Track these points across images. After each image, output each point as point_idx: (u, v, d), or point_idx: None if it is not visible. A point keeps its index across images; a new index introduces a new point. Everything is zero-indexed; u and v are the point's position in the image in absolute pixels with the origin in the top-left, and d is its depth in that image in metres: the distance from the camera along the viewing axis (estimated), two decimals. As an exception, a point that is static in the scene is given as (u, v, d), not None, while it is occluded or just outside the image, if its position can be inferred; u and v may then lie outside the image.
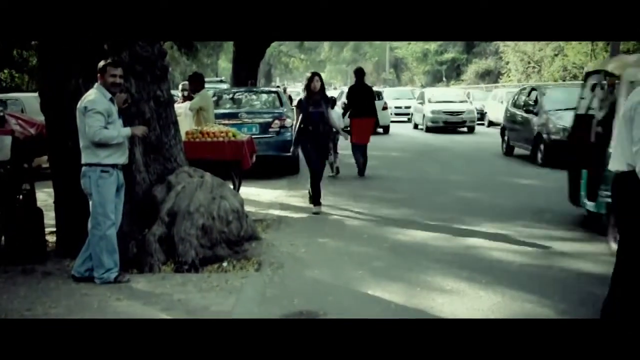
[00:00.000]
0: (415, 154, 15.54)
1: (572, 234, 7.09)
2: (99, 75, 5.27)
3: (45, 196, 7.20)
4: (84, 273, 5.34)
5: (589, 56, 25.71)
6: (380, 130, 19.61)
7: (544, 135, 12.68)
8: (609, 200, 5.95)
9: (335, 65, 65.44)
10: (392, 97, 28.92)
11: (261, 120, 11.46)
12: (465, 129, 22.31)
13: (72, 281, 5.32)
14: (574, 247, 6.58)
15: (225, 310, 4.65)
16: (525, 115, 14.04)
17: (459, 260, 6.07)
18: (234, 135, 8.43)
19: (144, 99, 6.12)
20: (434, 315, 4.66)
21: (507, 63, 35.39)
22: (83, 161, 5.25)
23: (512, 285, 5.30)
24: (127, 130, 5.37)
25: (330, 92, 14.75)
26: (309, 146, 8.37)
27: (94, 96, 5.19)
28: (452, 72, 47.09)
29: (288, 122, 11.51)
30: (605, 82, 7.00)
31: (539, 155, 12.83)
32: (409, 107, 26.60)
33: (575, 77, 26.69)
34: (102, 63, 5.27)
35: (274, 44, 35.55)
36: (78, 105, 5.22)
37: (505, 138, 15.30)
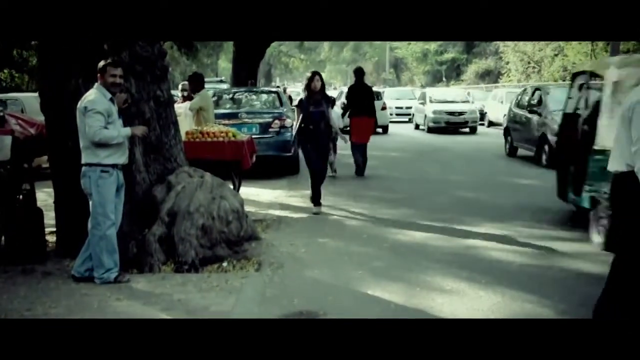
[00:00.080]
0: (415, 154, 15.54)
1: (572, 234, 7.09)
2: (99, 75, 5.27)
3: (45, 196, 7.20)
4: (84, 273, 5.34)
5: (589, 56, 25.70)
6: (379, 130, 19.60)
7: (549, 136, 12.54)
8: (593, 195, 6.49)
9: (335, 65, 65.45)
10: (393, 97, 28.78)
11: (261, 120, 11.46)
12: (467, 130, 22.15)
13: (72, 281, 5.32)
14: (574, 247, 6.58)
15: (225, 310, 4.65)
16: (529, 115, 13.88)
17: (458, 260, 6.08)
18: (234, 135, 8.43)
19: (144, 99, 6.12)
20: (433, 315, 4.66)
21: (507, 63, 35.39)
22: (83, 161, 5.25)
23: (512, 285, 5.30)
24: (127, 130, 5.37)
25: (330, 92, 14.75)
26: (309, 146, 8.35)
27: (94, 96, 5.19)
28: (452, 72, 47.09)
29: (288, 122, 11.50)
30: (590, 82, 7.24)
31: (544, 157, 12.67)
32: (410, 108, 26.41)
33: (575, 77, 26.61)
34: (102, 63, 5.28)
35: (274, 44, 35.56)
36: (78, 105, 5.22)
37: (509, 139, 15.16)
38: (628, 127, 3.81)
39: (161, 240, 5.82)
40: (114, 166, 5.27)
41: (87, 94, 5.26)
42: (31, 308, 4.72)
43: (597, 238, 6.55)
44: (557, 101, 13.11)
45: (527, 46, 32.11)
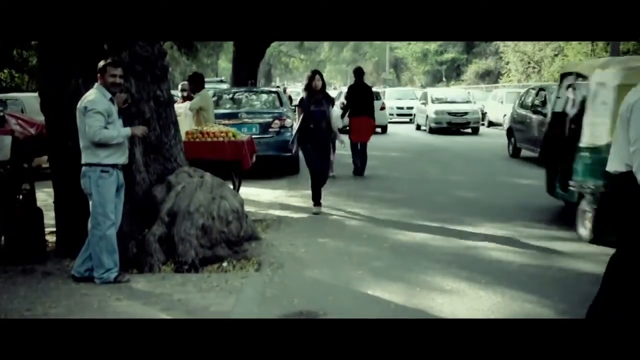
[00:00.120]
0: (415, 154, 15.54)
1: (572, 234, 7.09)
2: (99, 75, 5.27)
3: (45, 196, 7.20)
4: (83, 273, 5.34)
5: (589, 56, 25.69)
6: (378, 130, 19.57)
7: None
8: (579, 190, 6.84)
9: (335, 65, 65.47)
10: (394, 97, 28.65)
11: (261, 120, 11.46)
12: (469, 130, 21.85)
13: (72, 281, 5.32)
14: (574, 247, 6.58)
15: (225, 310, 4.65)
16: (533, 116, 13.74)
17: (458, 260, 6.08)
18: (234, 135, 8.42)
19: (144, 99, 6.12)
20: (433, 315, 4.66)
21: (507, 63, 35.39)
22: (83, 161, 5.25)
23: (512, 285, 5.30)
24: (127, 130, 5.37)
25: (330, 92, 14.75)
26: (309, 146, 8.29)
27: (94, 96, 5.19)
28: (452, 72, 47.11)
29: (288, 122, 11.51)
30: (577, 82, 7.55)
31: None
32: (411, 108, 26.23)
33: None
34: (102, 63, 5.28)
35: (274, 44, 35.57)
36: (78, 105, 5.22)
37: (512, 140, 14.98)
38: (626, 128, 3.81)
39: (161, 240, 5.82)
40: (114, 166, 5.27)
41: (87, 94, 5.26)
42: (31, 308, 4.72)
43: (582, 231, 6.86)
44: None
45: (527, 46, 32.11)
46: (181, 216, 5.90)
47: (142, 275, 5.56)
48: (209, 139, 8.25)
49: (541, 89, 14.80)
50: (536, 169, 12.40)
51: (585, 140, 6.74)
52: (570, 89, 7.71)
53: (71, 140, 5.51)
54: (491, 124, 24.13)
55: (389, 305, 4.87)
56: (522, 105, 14.99)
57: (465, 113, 21.73)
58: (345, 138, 9.90)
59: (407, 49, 50.37)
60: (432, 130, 21.66)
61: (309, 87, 8.37)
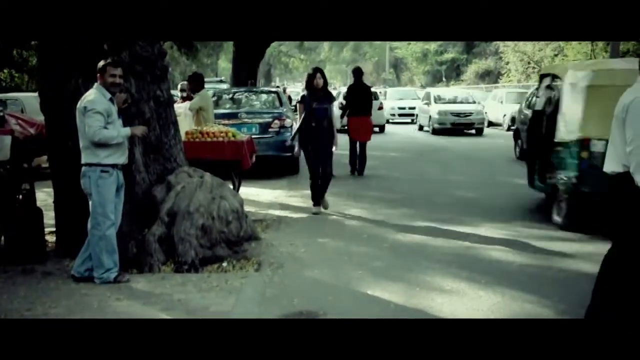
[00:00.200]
0: (415, 154, 15.54)
1: (572, 234, 7.09)
2: (98, 75, 5.26)
3: (45, 196, 7.20)
4: (83, 273, 5.34)
5: (589, 56, 25.69)
6: (376, 129, 19.52)
7: None
8: (554, 182, 7.45)
9: (335, 65, 65.47)
10: (396, 97, 28.37)
11: (261, 120, 11.46)
12: (473, 131, 21.40)
13: (72, 281, 5.32)
14: (574, 247, 6.58)
15: (225, 310, 4.65)
16: None
17: (458, 260, 6.08)
18: (233, 135, 8.42)
19: (144, 99, 6.12)
20: (433, 315, 4.66)
21: (507, 63, 35.40)
22: (83, 161, 5.25)
23: (512, 285, 5.30)
24: (127, 130, 5.37)
25: (329, 92, 14.74)
26: (310, 146, 8.20)
27: (93, 96, 5.19)
28: (452, 72, 47.11)
29: (288, 122, 11.51)
30: (553, 83, 8.11)
31: None
32: (413, 108, 25.86)
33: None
34: (101, 63, 5.27)
35: (274, 44, 35.56)
36: (78, 105, 5.22)
37: (519, 142, 14.61)
38: (622, 128, 3.82)
39: (161, 240, 5.82)
40: (113, 166, 5.27)
41: (87, 94, 5.26)
42: (31, 308, 4.72)
43: (557, 218, 7.52)
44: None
45: (527, 46, 32.10)
46: (181, 216, 5.90)
47: (142, 275, 5.55)
48: (208, 139, 8.25)
49: None
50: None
51: (559, 136, 7.32)
52: (547, 89, 8.24)
53: (71, 140, 5.51)
54: (491, 124, 24.11)
55: (389, 305, 4.87)
56: (530, 106, 14.89)
57: (470, 113, 21.30)
58: (343, 138, 9.89)
59: (407, 49, 50.38)
60: (435, 131, 21.25)
61: (309, 86, 8.24)
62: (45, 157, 6.79)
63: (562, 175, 7.24)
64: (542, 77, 8.86)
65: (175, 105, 7.70)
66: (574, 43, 27.13)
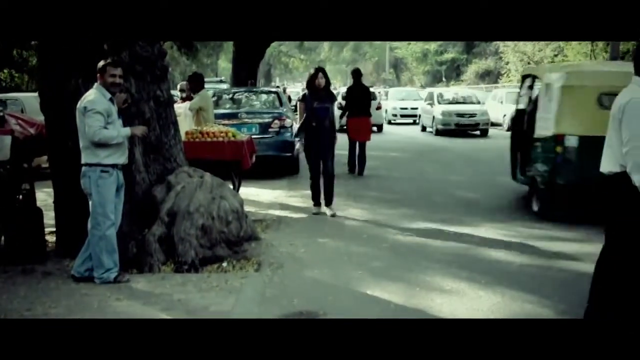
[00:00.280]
0: (415, 154, 15.54)
1: (572, 234, 7.09)
2: (98, 75, 5.26)
3: (45, 196, 7.20)
4: (83, 273, 5.34)
5: (589, 56, 25.70)
6: (374, 129, 19.44)
7: None
8: (533, 174, 8.07)
9: (335, 65, 65.41)
10: (398, 97, 28.02)
11: (261, 121, 11.46)
12: (477, 132, 20.85)
13: (72, 281, 5.32)
14: (574, 247, 6.58)
15: (225, 310, 4.65)
16: None
17: (458, 260, 6.08)
18: (233, 135, 8.42)
19: (144, 99, 6.12)
20: (433, 316, 4.66)
21: (507, 63, 35.36)
22: (83, 161, 5.25)
23: (512, 286, 5.30)
24: (127, 130, 5.37)
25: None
26: (311, 146, 8.17)
27: (93, 96, 5.19)
28: (452, 73, 47.09)
29: (288, 122, 11.51)
30: (534, 83, 8.83)
31: None
32: (415, 109, 25.43)
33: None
34: (101, 63, 5.27)
35: (274, 44, 35.56)
36: (78, 105, 5.22)
37: None
38: (618, 129, 3.83)
39: (161, 240, 5.82)
40: (113, 166, 5.27)
41: (87, 94, 5.26)
42: (31, 308, 4.72)
43: (535, 207, 8.12)
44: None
45: (527, 46, 32.08)
46: (181, 216, 5.90)
47: (142, 275, 5.55)
48: (208, 139, 8.24)
49: None
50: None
51: (537, 132, 7.95)
52: (528, 89, 8.99)
53: (71, 140, 5.51)
54: (491, 124, 24.04)
55: (389, 305, 4.87)
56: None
57: (474, 114, 20.78)
58: (342, 138, 9.87)
59: (407, 49, 50.36)
60: (438, 132, 20.73)
61: (311, 85, 8.16)
62: (45, 157, 6.79)
63: (540, 168, 7.86)
64: (523, 77, 9.51)
65: (175, 105, 7.70)
66: (574, 43, 27.12)
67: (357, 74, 12.10)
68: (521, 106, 9.16)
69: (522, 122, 8.73)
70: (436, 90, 26.14)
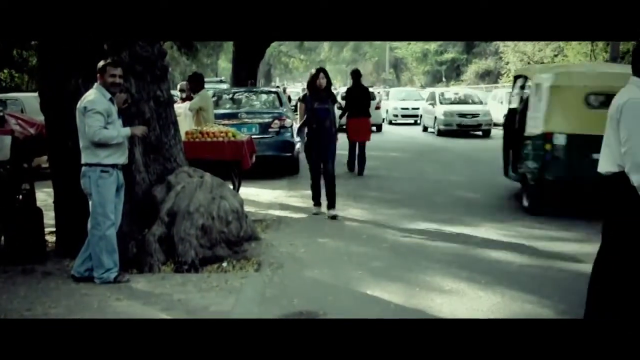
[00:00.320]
0: (415, 154, 15.54)
1: (572, 234, 7.10)
2: (98, 75, 5.26)
3: (45, 196, 7.20)
4: (83, 273, 5.34)
5: (589, 56, 25.69)
6: (373, 128, 19.34)
7: None
8: (524, 171, 8.38)
9: (335, 65, 65.36)
10: (399, 97, 27.86)
11: (261, 121, 11.46)
12: (479, 133, 20.65)
13: (72, 281, 5.32)
14: (574, 247, 6.58)
15: (224, 310, 4.65)
16: None
17: (458, 260, 6.08)
18: (233, 135, 8.42)
19: (144, 99, 6.13)
20: (433, 316, 4.66)
21: (507, 63, 35.34)
22: (83, 161, 5.25)
23: (511, 286, 5.30)
24: (127, 130, 5.37)
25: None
26: (311, 148, 8.14)
27: (93, 96, 5.19)
28: (452, 73, 47.08)
29: (288, 122, 11.51)
30: (525, 83, 9.21)
31: None
32: (417, 109, 25.28)
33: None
34: (101, 63, 5.27)
35: (274, 44, 35.56)
36: (78, 105, 5.22)
37: None
38: (616, 129, 3.83)
39: (161, 240, 5.82)
40: (113, 166, 5.27)
41: (87, 94, 5.26)
42: (31, 308, 4.72)
43: (525, 202, 8.37)
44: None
45: (527, 46, 32.07)
46: (181, 216, 5.90)
47: (142, 275, 5.55)
48: (208, 139, 8.24)
49: None
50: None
51: (527, 131, 8.26)
52: (520, 89, 9.40)
53: (71, 140, 5.51)
54: (494, 124, 23.99)
55: (389, 305, 4.88)
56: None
57: (477, 114, 20.51)
58: (341, 137, 9.83)
59: (407, 49, 50.35)
60: (440, 133, 20.48)
61: (312, 86, 8.08)
62: (45, 157, 6.79)
63: (530, 165, 8.19)
64: (515, 78, 9.90)
65: (175, 105, 7.70)
66: (574, 43, 27.10)
67: (356, 74, 12.13)
68: (513, 105, 9.48)
69: (514, 121, 8.98)
70: (438, 89, 26.00)
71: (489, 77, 40.73)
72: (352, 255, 6.31)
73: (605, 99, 7.56)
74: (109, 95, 5.26)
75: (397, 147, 17.20)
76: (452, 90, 26.54)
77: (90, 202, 5.26)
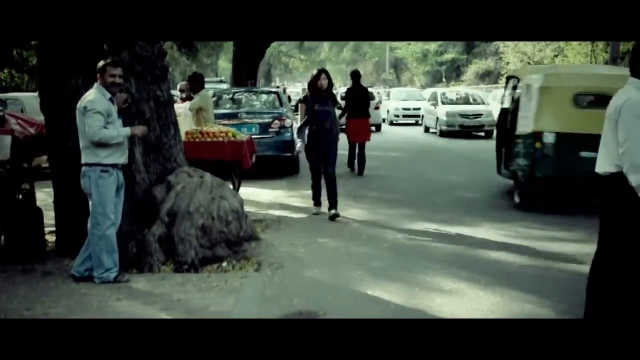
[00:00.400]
0: (415, 154, 15.54)
1: (572, 234, 7.10)
2: (98, 75, 5.27)
3: (45, 196, 7.20)
4: (83, 273, 5.34)
5: (589, 57, 25.69)
6: (372, 128, 19.26)
7: None
8: (515, 168, 8.65)
9: (335, 66, 65.33)
10: (400, 97, 27.75)
11: (261, 121, 11.46)
12: (482, 134, 20.21)
13: (72, 281, 5.32)
14: (573, 247, 6.58)
15: (224, 310, 4.65)
16: None
17: (458, 260, 6.08)
18: (233, 135, 8.42)
19: (144, 99, 6.13)
20: (433, 316, 4.66)
21: (507, 63, 35.35)
22: (83, 161, 5.25)
23: (511, 286, 5.31)
24: (127, 130, 5.37)
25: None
26: (312, 149, 8.12)
27: (93, 96, 5.19)
28: (452, 73, 47.08)
29: (288, 122, 11.52)
30: (517, 84, 9.48)
31: None
32: (418, 109, 25.10)
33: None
34: (101, 63, 5.27)
35: (274, 44, 35.57)
36: (78, 105, 5.22)
37: None
38: (614, 129, 3.83)
39: (161, 240, 5.82)
40: (113, 166, 5.27)
41: (87, 93, 5.26)
42: (31, 308, 4.72)
43: (517, 199, 8.66)
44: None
45: (527, 46, 32.07)
46: (181, 216, 5.90)
47: (142, 275, 5.56)
48: (208, 139, 8.25)
49: None
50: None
51: (518, 130, 8.53)
52: (512, 90, 9.72)
53: (71, 140, 5.52)
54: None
55: (389, 305, 4.88)
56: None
57: (479, 115, 20.16)
58: (341, 137, 9.83)
59: (407, 49, 50.35)
60: (442, 134, 20.23)
61: (313, 86, 8.05)
62: (45, 157, 6.79)
63: (521, 163, 8.45)
64: (508, 79, 10.29)
65: (175, 106, 7.70)
66: (574, 43, 27.10)
67: (356, 75, 12.16)
68: (506, 105, 9.80)
69: (506, 120, 9.31)
70: (439, 89, 25.84)
71: (489, 77, 40.73)
72: (352, 255, 6.31)
73: (593, 99, 8.14)
74: (109, 95, 5.26)
75: (397, 147, 17.20)
76: (454, 90, 26.18)
77: (90, 202, 5.26)
